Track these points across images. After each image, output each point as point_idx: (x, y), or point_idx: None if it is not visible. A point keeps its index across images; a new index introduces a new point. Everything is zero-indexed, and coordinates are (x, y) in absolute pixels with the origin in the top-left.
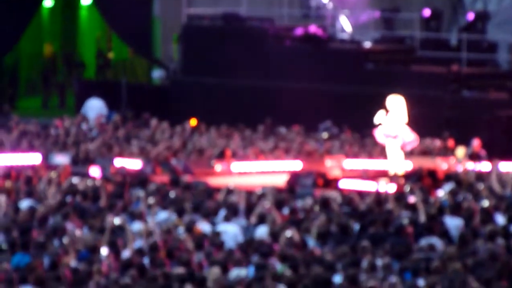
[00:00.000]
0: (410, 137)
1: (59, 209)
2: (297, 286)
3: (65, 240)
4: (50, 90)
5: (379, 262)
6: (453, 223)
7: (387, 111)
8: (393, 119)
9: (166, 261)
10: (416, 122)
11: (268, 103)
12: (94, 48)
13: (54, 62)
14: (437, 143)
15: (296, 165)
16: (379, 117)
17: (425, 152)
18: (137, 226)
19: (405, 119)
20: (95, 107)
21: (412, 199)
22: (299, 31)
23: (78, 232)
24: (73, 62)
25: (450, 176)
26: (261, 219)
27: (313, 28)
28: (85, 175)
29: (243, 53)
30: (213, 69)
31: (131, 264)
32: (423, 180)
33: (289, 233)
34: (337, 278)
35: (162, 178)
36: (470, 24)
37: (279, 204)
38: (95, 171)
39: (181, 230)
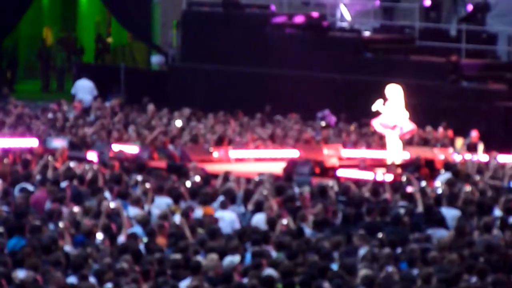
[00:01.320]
0: (408, 127)
1: (56, 194)
2: (293, 274)
3: (61, 224)
4: (49, 74)
5: (376, 251)
6: (450, 213)
7: (385, 100)
8: (391, 109)
9: (163, 247)
10: (414, 112)
11: (267, 91)
12: (93, 32)
13: (53, 46)
14: (440, 133)
15: (293, 153)
16: (377, 105)
17: (423, 142)
18: (133, 211)
19: (404, 109)
20: (85, 88)
21: (409, 189)
22: (298, 18)
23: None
24: (72, 46)
25: (448, 167)
26: (258, 207)
27: (310, 17)
28: (82, 160)
29: (242, 40)
30: (212, 55)
31: (126, 249)
32: (421, 170)
33: (285, 221)
34: (333, 267)
35: (159, 163)
36: (470, 15)
37: (276, 192)
38: (92, 156)
39: (177, 216)
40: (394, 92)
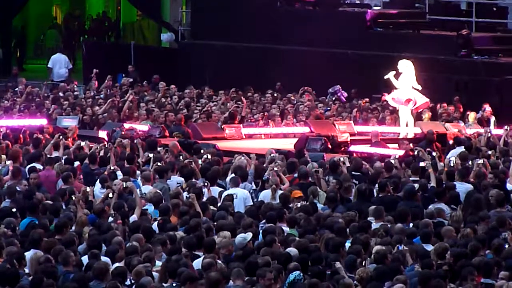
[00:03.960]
0: (421, 101)
1: (67, 173)
2: (306, 251)
3: (74, 197)
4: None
5: (389, 226)
6: (463, 188)
7: (397, 75)
8: (403, 84)
9: (175, 225)
10: (426, 86)
11: (277, 67)
12: (102, 10)
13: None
14: (451, 107)
15: (305, 129)
16: (389, 75)
17: (435, 116)
18: (146, 189)
19: (416, 83)
20: (61, 61)
21: (422, 163)
22: None
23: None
24: (81, 25)
25: (460, 141)
26: (265, 184)
27: None
28: (93, 139)
29: (252, 16)
30: (222, 32)
31: (138, 228)
32: (433, 144)
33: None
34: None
35: (171, 141)
36: None
37: (288, 168)
38: (103, 135)
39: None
40: (407, 67)
